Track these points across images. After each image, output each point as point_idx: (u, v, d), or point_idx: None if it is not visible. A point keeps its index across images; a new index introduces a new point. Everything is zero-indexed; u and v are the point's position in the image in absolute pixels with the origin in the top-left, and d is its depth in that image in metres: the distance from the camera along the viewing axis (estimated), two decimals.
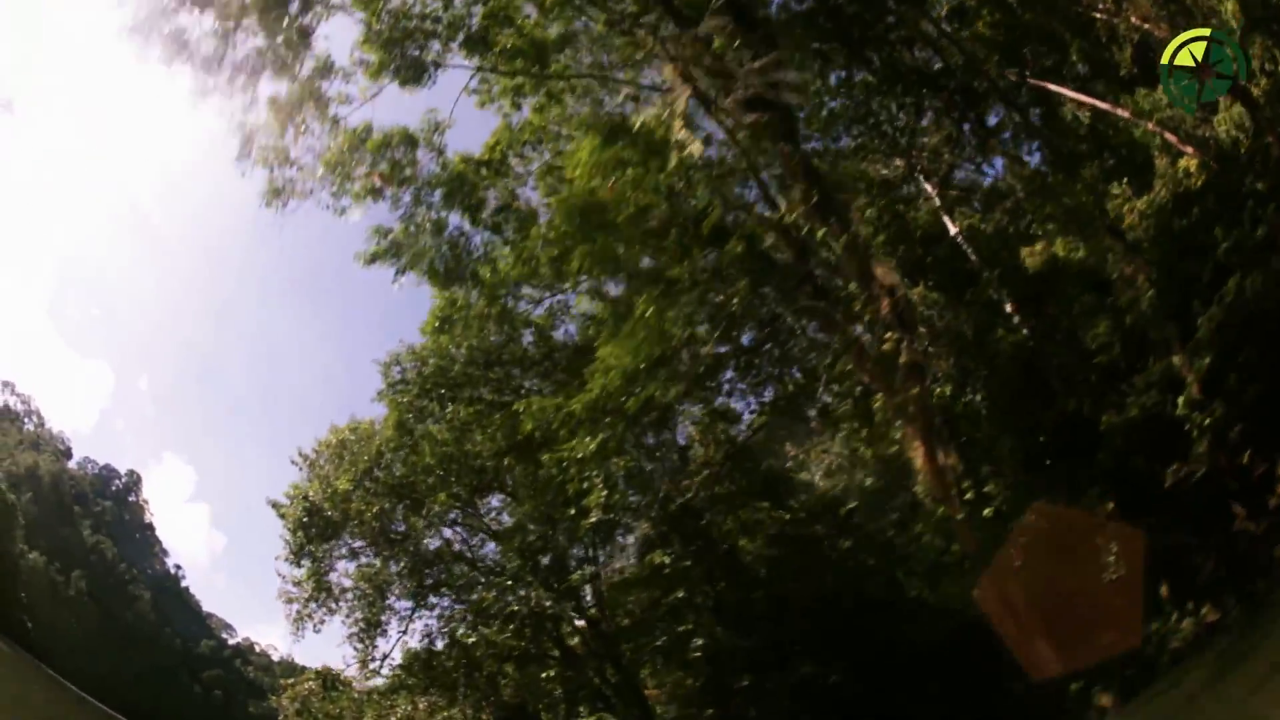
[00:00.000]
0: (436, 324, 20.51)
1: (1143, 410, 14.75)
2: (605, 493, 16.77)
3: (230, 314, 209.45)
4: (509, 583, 19.49)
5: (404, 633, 25.69)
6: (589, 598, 25.78)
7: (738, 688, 18.82)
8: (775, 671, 18.83)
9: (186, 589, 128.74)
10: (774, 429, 24.12)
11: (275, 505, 25.39)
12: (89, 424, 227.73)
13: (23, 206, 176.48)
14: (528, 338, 23.78)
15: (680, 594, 19.21)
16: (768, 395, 24.80)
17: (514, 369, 23.81)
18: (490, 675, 25.49)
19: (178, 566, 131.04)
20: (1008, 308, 18.72)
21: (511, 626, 23.28)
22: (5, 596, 74.99)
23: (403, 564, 25.41)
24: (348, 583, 25.61)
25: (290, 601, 25.99)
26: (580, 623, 25.33)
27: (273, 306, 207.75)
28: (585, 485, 16.39)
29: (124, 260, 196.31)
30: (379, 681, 27.21)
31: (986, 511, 14.34)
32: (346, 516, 22.40)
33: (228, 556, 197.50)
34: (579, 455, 15.33)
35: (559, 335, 24.07)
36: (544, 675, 27.72)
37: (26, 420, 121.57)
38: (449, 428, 22.16)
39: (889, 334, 14.93)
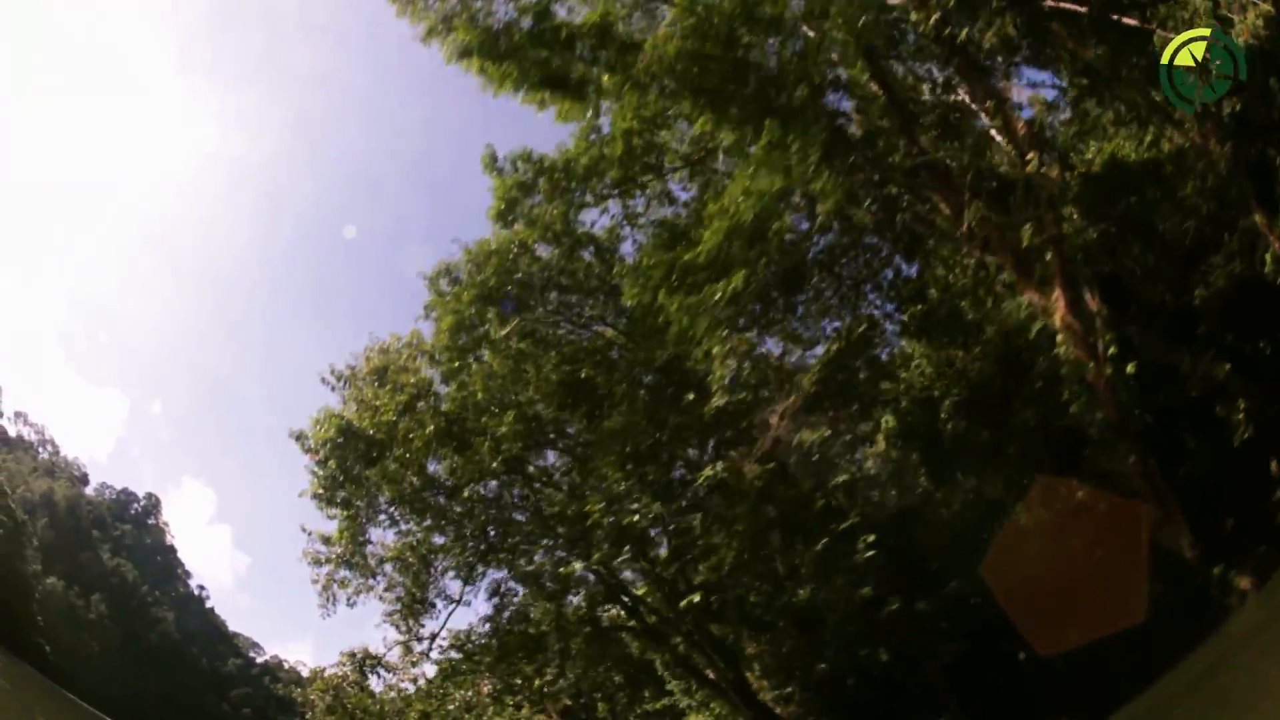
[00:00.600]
0: (502, 207, 17.08)
1: (1230, 279, 14.07)
2: (732, 366, 13.21)
3: (241, 334, 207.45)
4: (618, 490, 15.35)
5: (459, 602, 21.46)
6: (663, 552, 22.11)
7: (886, 614, 15.36)
8: (924, 590, 15.48)
9: (211, 609, 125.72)
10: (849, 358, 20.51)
11: (299, 436, 19.95)
12: (105, 452, 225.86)
13: (27, 237, 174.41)
14: (587, 255, 20.35)
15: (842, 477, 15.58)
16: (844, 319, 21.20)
17: (572, 295, 20.33)
18: (559, 650, 21.72)
19: (201, 587, 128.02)
20: (1073, 214, 17.14)
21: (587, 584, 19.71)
22: (22, 621, 72.05)
23: (452, 528, 21.68)
24: (384, 552, 21.63)
25: (318, 563, 21.16)
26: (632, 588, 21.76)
27: (283, 323, 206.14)
28: (709, 352, 12.86)
29: (129, 286, 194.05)
30: (427, 668, 23.16)
31: (1130, 368, 12.83)
32: (392, 439, 18.07)
33: (252, 576, 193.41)
34: (714, 299, 11.91)
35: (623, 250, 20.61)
36: (620, 645, 23.91)
37: (41, 449, 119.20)
38: (503, 356, 18.60)
39: (1029, 156, 13.40)
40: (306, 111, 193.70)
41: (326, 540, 20.91)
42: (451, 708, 22.38)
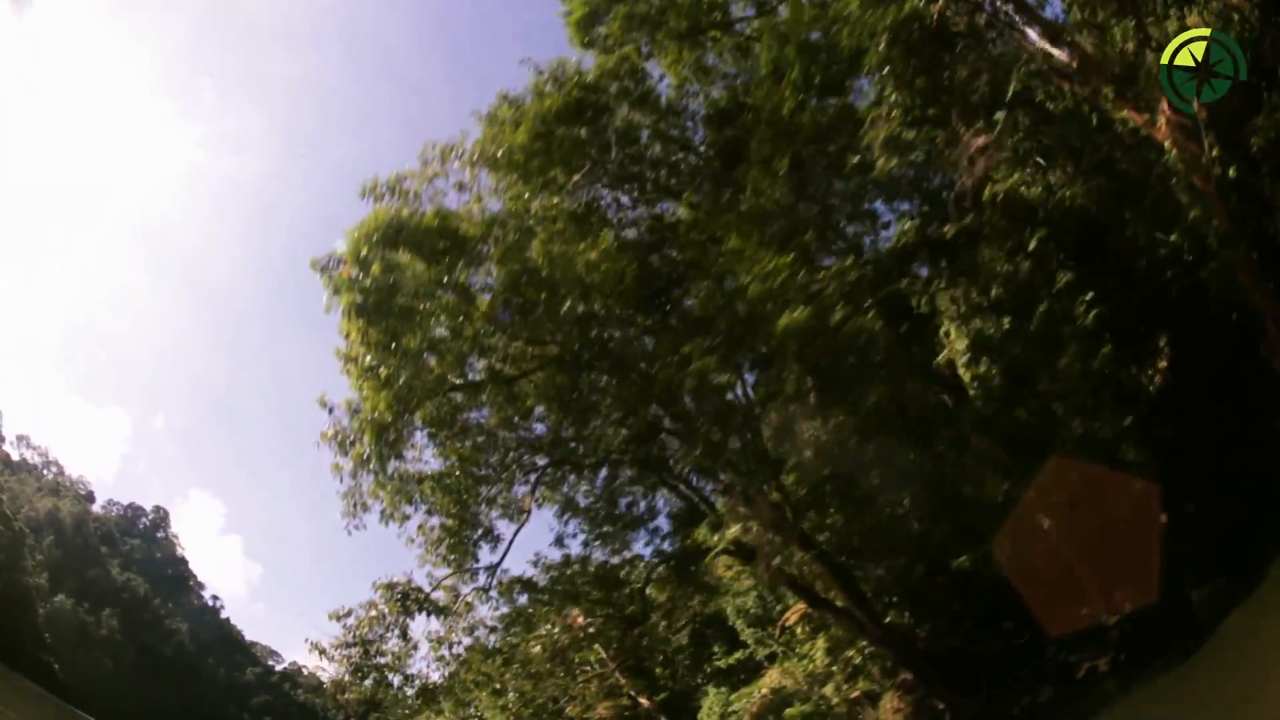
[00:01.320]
0: (585, 12, 13.82)
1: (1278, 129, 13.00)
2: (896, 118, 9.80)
3: (239, 346, 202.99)
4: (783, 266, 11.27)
5: (526, 515, 17.56)
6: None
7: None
8: None
9: (227, 620, 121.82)
10: None
11: (325, 264, 14.43)
12: (111, 471, 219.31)
13: (16, 263, 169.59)
14: (648, 120, 16.67)
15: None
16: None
17: (635, 166, 16.64)
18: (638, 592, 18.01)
19: (215, 597, 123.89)
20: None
21: None
22: (28, 640, 68.21)
23: (498, 454, 17.88)
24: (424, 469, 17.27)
25: (343, 447, 15.45)
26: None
27: (282, 333, 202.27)
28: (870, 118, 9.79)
29: (123, 305, 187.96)
30: (483, 613, 19.05)
31: (1232, 171, 11.94)
32: (461, 245, 13.12)
33: (265, 584, 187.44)
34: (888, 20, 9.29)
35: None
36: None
37: (45, 471, 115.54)
38: (566, 219, 14.69)
39: None
40: (292, 122, 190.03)
41: (355, 412, 15.42)
42: (536, 650, 18.23)
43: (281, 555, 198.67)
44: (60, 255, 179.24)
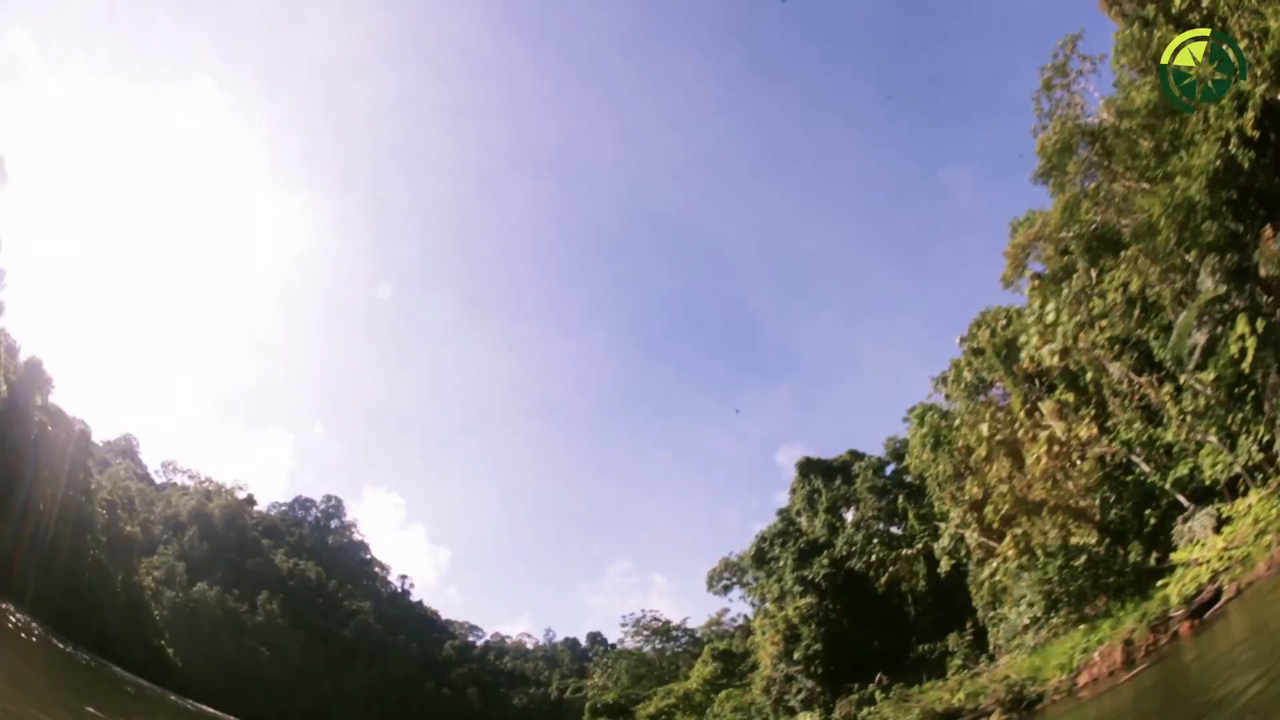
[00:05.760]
0: None
1: None
2: None
3: (391, 350, 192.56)
4: None
5: None
6: None
7: None
8: None
9: (420, 602, 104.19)
10: None
11: None
12: (281, 488, 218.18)
13: (157, 329, 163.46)
14: None
15: None
16: None
17: None
18: None
19: (404, 576, 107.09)
20: None
21: None
22: (120, 622, 49.32)
23: None
24: None
25: None
26: None
27: (429, 339, 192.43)
28: None
29: (253, 327, 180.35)
30: None
31: None
32: None
33: (455, 568, 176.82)
34: None
35: None
36: None
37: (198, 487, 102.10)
38: None
39: None
40: (393, 139, 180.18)
41: None
42: None
43: (468, 536, 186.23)
44: (195, 314, 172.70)
